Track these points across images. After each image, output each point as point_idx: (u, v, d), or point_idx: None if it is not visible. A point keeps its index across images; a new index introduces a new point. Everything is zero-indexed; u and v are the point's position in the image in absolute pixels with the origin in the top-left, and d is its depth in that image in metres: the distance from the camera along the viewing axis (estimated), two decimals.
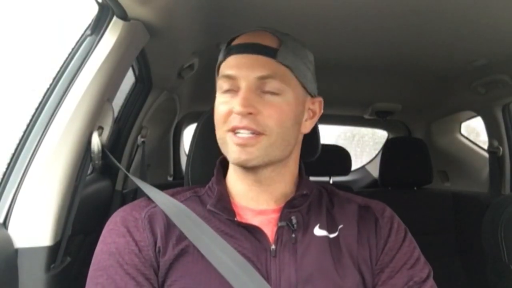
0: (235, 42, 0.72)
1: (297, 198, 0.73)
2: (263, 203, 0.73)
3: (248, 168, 0.70)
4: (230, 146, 0.68)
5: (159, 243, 0.67)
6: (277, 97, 0.68)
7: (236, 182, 0.75)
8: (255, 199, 0.73)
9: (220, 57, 0.73)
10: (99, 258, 0.67)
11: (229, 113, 0.68)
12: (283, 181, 0.74)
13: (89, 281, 0.66)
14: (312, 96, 0.75)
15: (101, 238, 0.69)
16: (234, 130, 0.67)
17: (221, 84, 0.70)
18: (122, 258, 0.65)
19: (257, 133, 0.67)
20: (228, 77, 0.69)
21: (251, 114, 0.66)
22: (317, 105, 0.77)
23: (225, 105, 0.69)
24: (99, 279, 0.65)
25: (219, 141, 0.72)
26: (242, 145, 0.67)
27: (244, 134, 0.67)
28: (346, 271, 0.69)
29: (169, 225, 0.69)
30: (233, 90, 0.69)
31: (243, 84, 0.67)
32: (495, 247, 1.19)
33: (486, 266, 1.31)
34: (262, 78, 0.68)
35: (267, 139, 0.67)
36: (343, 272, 0.68)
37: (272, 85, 0.68)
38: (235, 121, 0.67)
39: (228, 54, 0.71)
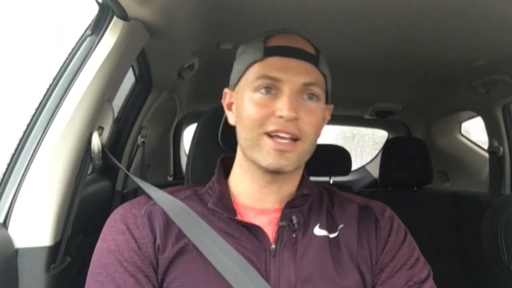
0: (274, 43, 0.70)
1: (298, 198, 0.73)
2: (268, 203, 0.73)
3: (275, 172, 0.69)
4: (266, 150, 0.67)
5: (158, 241, 0.67)
6: (315, 104, 0.69)
7: (244, 182, 0.74)
8: (262, 199, 0.73)
9: (256, 54, 0.70)
10: (99, 255, 0.67)
11: (268, 115, 0.67)
12: (292, 182, 0.75)
13: (89, 278, 0.66)
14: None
15: (101, 235, 0.69)
16: (272, 133, 0.66)
17: (257, 83, 0.68)
18: (122, 256, 0.66)
19: (295, 139, 0.67)
20: (271, 78, 0.67)
21: (295, 120, 0.66)
22: (327, 112, 0.77)
23: (263, 107, 0.67)
24: (99, 277, 0.65)
25: (248, 142, 0.69)
26: (282, 151, 0.66)
27: (283, 139, 0.66)
28: (345, 271, 0.69)
29: (169, 223, 0.69)
30: (271, 92, 0.68)
31: (287, 88, 0.67)
32: (495, 247, 1.19)
33: (486, 266, 1.31)
34: (307, 85, 0.68)
35: (303, 145, 0.68)
36: (343, 272, 0.68)
37: (314, 91, 0.69)
38: (277, 124, 0.66)
39: (268, 54, 0.69)
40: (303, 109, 0.67)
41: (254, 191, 0.73)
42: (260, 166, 0.68)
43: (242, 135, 0.70)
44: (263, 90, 0.68)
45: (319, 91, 0.70)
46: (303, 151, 0.69)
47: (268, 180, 0.72)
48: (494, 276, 1.25)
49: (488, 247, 1.26)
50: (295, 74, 0.67)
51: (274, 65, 0.68)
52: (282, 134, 0.66)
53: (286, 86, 0.67)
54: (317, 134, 0.71)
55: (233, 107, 0.75)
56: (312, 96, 0.69)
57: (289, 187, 0.74)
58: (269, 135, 0.66)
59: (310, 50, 0.72)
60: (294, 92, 0.67)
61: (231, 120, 0.76)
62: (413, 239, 0.75)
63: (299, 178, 0.76)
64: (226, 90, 0.77)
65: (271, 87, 0.68)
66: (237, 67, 0.74)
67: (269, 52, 0.69)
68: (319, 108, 0.70)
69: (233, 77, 0.75)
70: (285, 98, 0.66)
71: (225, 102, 0.78)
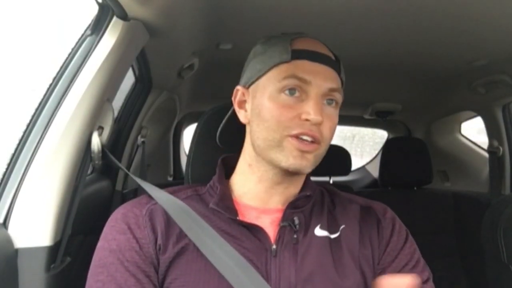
0: (301, 47, 0.70)
1: (300, 199, 0.73)
2: (272, 203, 0.73)
3: (293, 173, 0.70)
4: (289, 151, 0.67)
5: (159, 241, 0.67)
6: (333, 110, 0.71)
7: (249, 182, 0.74)
8: (266, 200, 0.73)
9: (283, 56, 0.69)
10: (100, 255, 0.67)
11: (293, 117, 0.67)
12: (298, 184, 0.75)
13: (90, 278, 0.66)
14: None
15: (102, 235, 0.69)
16: (297, 136, 0.66)
17: (284, 83, 0.68)
18: (123, 255, 0.66)
19: (315, 142, 0.67)
20: (299, 79, 0.67)
21: (319, 124, 0.67)
22: None
23: (289, 109, 0.67)
24: (100, 276, 0.65)
25: (268, 143, 0.68)
26: (304, 152, 0.67)
27: (306, 140, 0.67)
28: (346, 271, 0.69)
29: (170, 223, 0.69)
30: (294, 94, 0.68)
31: (314, 91, 0.67)
32: (494, 247, 1.19)
33: (485, 266, 1.31)
34: (331, 90, 0.69)
35: (320, 149, 0.69)
36: (343, 272, 0.69)
37: (335, 97, 0.70)
38: (302, 127, 0.66)
39: (296, 56, 0.69)
40: (324, 114, 0.68)
41: (259, 192, 0.73)
42: (277, 166, 0.69)
43: (261, 135, 0.69)
44: (287, 92, 0.68)
45: (339, 97, 0.71)
46: (319, 154, 0.70)
47: (277, 181, 0.72)
48: (494, 276, 1.25)
49: (487, 247, 1.26)
50: (322, 79, 0.68)
51: (303, 68, 0.68)
52: (305, 137, 0.66)
53: (313, 90, 0.67)
54: (332, 139, 0.72)
55: (247, 105, 0.74)
56: (331, 101, 0.70)
57: (294, 188, 0.74)
58: (292, 136, 0.67)
59: (332, 56, 0.73)
60: (319, 96, 0.68)
61: (243, 119, 0.75)
62: (413, 240, 0.75)
63: (303, 179, 0.76)
64: (238, 87, 0.76)
65: (296, 89, 0.68)
66: (256, 66, 0.72)
67: (298, 54, 0.69)
68: (335, 113, 0.71)
69: (249, 75, 0.73)
70: (312, 101, 0.67)
71: (235, 99, 0.76)
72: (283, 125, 0.67)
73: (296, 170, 0.68)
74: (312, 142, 0.67)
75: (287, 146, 0.67)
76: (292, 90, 0.68)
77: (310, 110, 0.66)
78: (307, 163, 0.68)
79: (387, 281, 0.62)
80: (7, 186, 0.79)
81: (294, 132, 0.66)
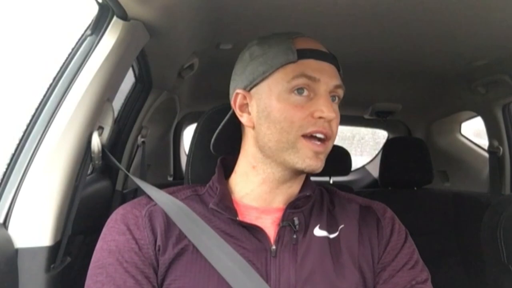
0: (304, 46, 0.70)
1: (300, 199, 0.73)
2: (275, 203, 0.73)
3: (303, 173, 0.71)
4: (304, 152, 0.67)
5: (159, 242, 0.67)
6: (336, 106, 0.72)
7: (252, 183, 0.73)
8: (269, 200, 0.73)
9: (288, 56, 0.69)
10: (99, 255, 0.67)
11: (306, 116, 0.67)
12: (300, 183, 0.75)
13: (89, 278, 0.66)
14: None
15: (101, 235, 0.69)
16: (308, 135, 0.67)
17: (294, 83, 0.68)
18: (122, 256, 0.65)
19: (325, 140, 0.69)
20: (309, 78, 0.68)
21: (332, 120, 0.68)
22: None
23: (301, 108, 0.68)
24: (99, 277, 0.65)
25: (281, 145, 0.68)
26: (318, 153, 0.68)
27: (318, 141, 0.68)
28: (345, 271, 0.69)
29: (169, 224, 0.69)
30: (303, 94, 0.68)
31: (323, 89, 0.69)
32: (494, 247, 1.19)
33: (485, 266, 1.31)
34: (336, 87, 0.71)
35: (328, 146, 0.70)
36: (342, 273, 0.69)
37: (339, 94, 0.72)
38: (316, 125, 0.67)
39: (302, 56, 0.69)
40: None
41: (263, 192, 0.73)
42: (291, 167, 0.69)
43: (273, 138, 0.69)
44: (296, 92, 0.68)
45: (342, 93, 0.72)
46: (328, 151, 0.71)
47: (283, 181, 0.72)
48: (494, 276, 1.25)
49: (487, 247, 1.26)
50: (328, 76, 0.69)
51: (310, 66, 0.69)
52: (318, 135, 0.67)
53: (322, 87, 0.69)
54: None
55: (250, 108, 0.73)
56: (334, 98, 0.72)
57: (296, 186, 0.75)
58: (305, 137, 0.67)
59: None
60: (328, 93, 0.69)
61: (247, 122, 0.73)
62: (412, 241, 0.75)
63: (303, 178, 0.76)
64: (238, 90, 0.73)
65: (304, 88, 0.68)
66: (258, 68, 0.71)
67: (303, 54, 0.70)
68: (338, 109, 0.72)
69: (251, 78, 0.71)
70: (323, 99, 0.68)
71: (236, 103, 0.74)
72: (297, 125, 0.67)
73: (311, 170, 0.69)
74: (323, 141, 0.68)
75: (302, 148, 0.67)
76: (300, 90, 0.68)
77: (323, 108, 0.67)
78: (321, 164, 0.69)
79: None
80: (7, 186, 0.79)
81: (308, 130, 0.67)
